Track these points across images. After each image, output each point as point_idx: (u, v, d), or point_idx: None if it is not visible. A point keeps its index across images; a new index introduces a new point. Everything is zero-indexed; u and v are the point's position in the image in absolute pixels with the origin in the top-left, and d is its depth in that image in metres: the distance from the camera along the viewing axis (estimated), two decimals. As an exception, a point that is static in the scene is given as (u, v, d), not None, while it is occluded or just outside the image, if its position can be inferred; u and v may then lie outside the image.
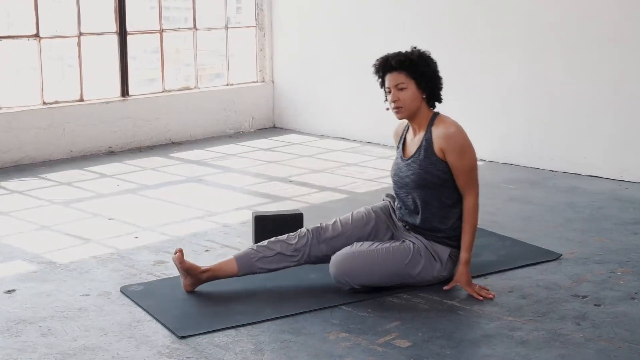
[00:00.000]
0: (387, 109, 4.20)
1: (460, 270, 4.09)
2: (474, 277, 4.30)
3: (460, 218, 4.13)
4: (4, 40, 7.08)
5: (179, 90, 8.26)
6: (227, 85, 8.64)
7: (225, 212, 5.68)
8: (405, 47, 7.50)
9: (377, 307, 3.95)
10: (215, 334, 3.68)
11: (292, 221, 4.75)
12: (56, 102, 7.40)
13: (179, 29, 8.32)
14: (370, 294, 4.08)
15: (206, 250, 4.84)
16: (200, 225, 5.36)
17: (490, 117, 7.18)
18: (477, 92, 7.24)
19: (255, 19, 8.78)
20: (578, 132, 6.66)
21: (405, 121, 4.27)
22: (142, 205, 5.92)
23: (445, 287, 4.11)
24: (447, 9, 7.37)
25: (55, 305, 4.03)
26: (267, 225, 4.75)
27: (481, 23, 7.15)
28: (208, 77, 8.82)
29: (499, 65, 7.08)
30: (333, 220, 4.29)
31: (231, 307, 3.95)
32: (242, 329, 3.73)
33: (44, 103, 7.32)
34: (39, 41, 7.20)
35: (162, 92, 8.10)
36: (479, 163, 7.04)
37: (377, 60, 4.19)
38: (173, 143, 8.07)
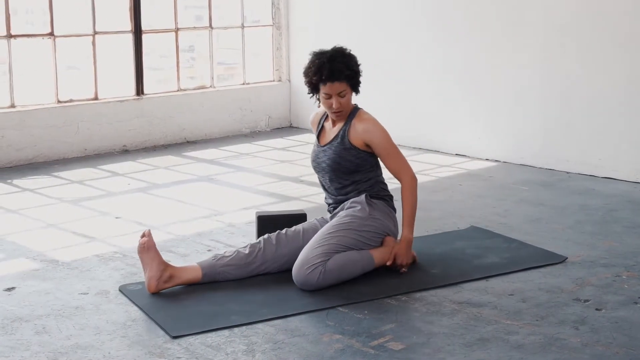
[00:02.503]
0: (318, 105, 4.48)
1: (400, 247, 4.32)
2: (475, 279, 4.28)
3: (372, 187, 4.40)
4: (19, 39, 7.12)
5: (194, 89, 8.26)
6: (243, 84, 8.63)
7: (232, 211, 5.66)
8: (420, 47, 7.54)
9: (374, 309, 3.92)
10: (209, 334, 3.66)
11: (295, 221, 4.69)
12: (70, 101, 7.43)
13: (195, 27, 8.31)
14: (367, 295, 4.05)
15: (209, 250, 4.82)
16: (206, 225, 5.34)
17: (505, 117, 7.11)
18: (492, 92, 7.17)
19: (272, 18, 8.76)
20: (593, 133, 6.57)
21: (322, 110, 4.53)
22: (151, 204, 5.92)
23: (388, 263, 4.30)
24: (462, 8, 7.31)
25: (53, 303, 4.03)
26: (270, 225, 4.70)
27: (496, 23, 7.08)
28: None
29: (513, 66, 7.00)
30: None
31: (227, 308, 3.93)
32: (236, 330, 3.70)
33: (59, 101, 7.35)
34: (54, 40, 7.23)
35: (177, 90, 8.10)
36: (493, 164, 7.08)
37: (317, 69, 4.31)
38: (188, 142, 8.08)
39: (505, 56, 7.05)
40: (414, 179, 4.37)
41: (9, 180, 6.57)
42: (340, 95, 4.31)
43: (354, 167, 4.36)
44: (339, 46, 4.44)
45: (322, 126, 4.54)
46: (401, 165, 4.36)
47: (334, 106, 4.32)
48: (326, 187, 4.50)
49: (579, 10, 6.56)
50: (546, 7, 6.74)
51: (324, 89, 4.32)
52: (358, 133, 4.34)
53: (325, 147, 4.42)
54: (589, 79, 6.55)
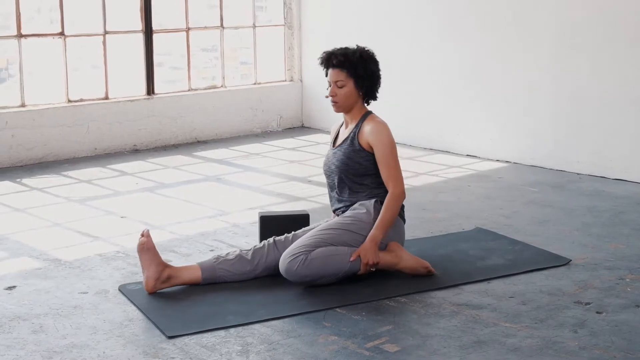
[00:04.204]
0: (327, 97, 4.42)
1: (365, 245, 4.17)
2: (476, 281, 4.24)
3: (385, 194, 4.32)
4: (30, 39, 7.14)
5: (205, 89, 8.26)
6: (255, 84, 8.62)
7: (237, 211, 5.65)
8: (431, 47, 7.50)
9: (372, 311, 3.89)
10: (205, 335, 3.65)
11: (297, 221, 4.68)
12: (81, 100, 7.45)
13: (206, 27, 8.31)
14: (366, 296, 4.02)
15: (211, 250, 4.81)
16: (210, 225, 5.34)
17: (516, 118, 7.06)
18: (503, 92, 7.12)
19: (284, 18, 8.75)
20: (605, 134, 6.50)
21: (341, 120, 4.54)
22: (157, 204, 5.93)
23: (350, 259, 4.15)
24: (473, 8, 7.27)
25: (52, 302, 4.03)
26: (272, 225, 4.68)
27: (507, 23, 7.03)
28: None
29: (524, 66, 6.95)
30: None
31: (224, 308, 3.91)
32: (232, 330, 3.69)
33: (69, 101, 7.37)
34: (64, 39, 7.26)
35: (188, 90, 8.11)
36: (503, 165, 7.02)
37: (323, 53, 4.42)
38: (199, 142, 8.08)
39: (516, 56, 7.00)
40: (402, 194, 4.27)
41: (18, 179, 6.60)
42: (337, 84, 4.31)
43: (363, 170, 4.32)
44: (367, 47, 4.42)
45: (338, 132, 4.54)
46: (395, 177, 4.28)
47: (329, 93, 4.34)
48: (335, 191, 4.42)
49: (590, 10, 6.50)
50: (557, 6, 6.68)
51: (328, 77, 4.37)
52: (365, 133, 4.31)
53: (336, 150, 4.42)
54: (600, 79, 6.49)
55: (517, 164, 7.03)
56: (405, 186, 4.42)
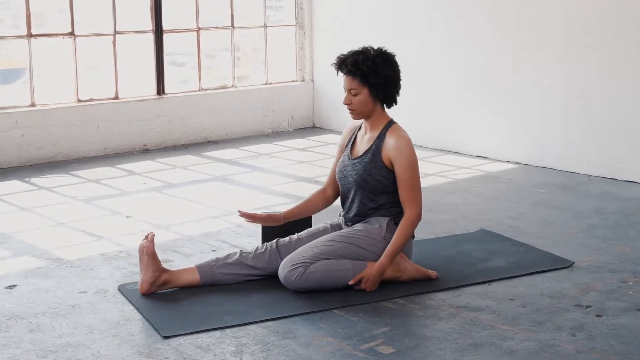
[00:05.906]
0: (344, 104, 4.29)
1: (371, 271, 4.07)
2: (477, 283, 4.22)
3: (397, 216, 4.21)
4: (40, 39, 7.17)
5: (216, 89, 8.26)
6: (266, 84, 8.61)
7: (242, 211, 5.64)
8: (441, 48, 7.47)
9: (370, 312, 3.87)
10: (200, 335, 3.64)
11: (300, 222, 4.66)
12: (91, 100, 7.47)
13: (217, 27, 8.31)
14: (365, 298, 4.01)
15: (213, 250, 4.81)
16: (214, 225, 5.33)
17: (525, 119, 7.01)
18: (513, 93, 7.07)
19: (295, 18, 8.74)
20: (615, 135, 6.44)
21: (359, 122, 4.38)
22: (163, 204, 5.93)
23: (350, 282, 4.07)
24: (483, 10, 7.22)
25: (51, 301, 4.04)
26: (274, 226, 4.67)
27: (516, 23, 6.99)
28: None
29: (534, 67, 6.90)
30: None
31: (222, 308, 3.90)
32: (227, 331, 3.68)
33: (79, 101, 7.40)
34: (74, 39, 7.28)
35: (199, 90, 8.11)
36: (513, 166, 6.98)
37: (337, 57, 4.26)
38: (209, 142, 8.08)
39: (526, 57, 6.95)
40: (419, 218, 4.14)
41: (27, 179, 6.62)
42: (351, 92, 4.16)
43: (381, 188, 4.18)
44: (386, 49, 4.24)
45: (355, 136, 4.36)
46: (414, 198, 4.13)
47: (344, 101, 4.21)
48: (348, 201, 4.30)
49: (600, 10, 6.44)
50: (567, 8, 6.63)
51: (343, 83, 4.23)
52: (387, 148, 4.15)
53: (355, 161, 4.25)
54: (611, 80, 6.43)
55: (527, 165, 6.98)
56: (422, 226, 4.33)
